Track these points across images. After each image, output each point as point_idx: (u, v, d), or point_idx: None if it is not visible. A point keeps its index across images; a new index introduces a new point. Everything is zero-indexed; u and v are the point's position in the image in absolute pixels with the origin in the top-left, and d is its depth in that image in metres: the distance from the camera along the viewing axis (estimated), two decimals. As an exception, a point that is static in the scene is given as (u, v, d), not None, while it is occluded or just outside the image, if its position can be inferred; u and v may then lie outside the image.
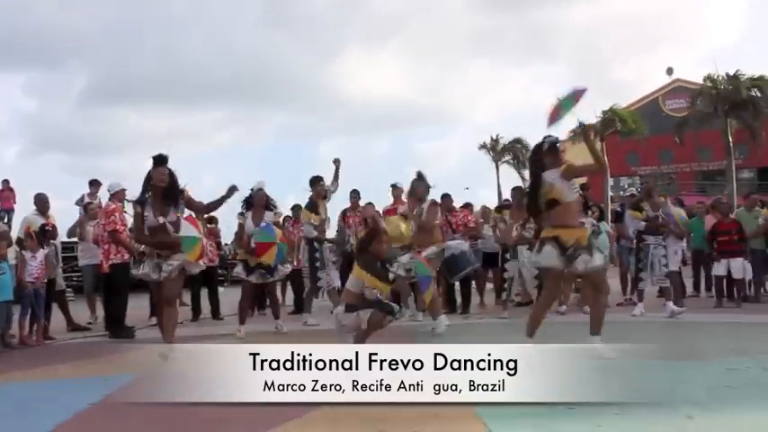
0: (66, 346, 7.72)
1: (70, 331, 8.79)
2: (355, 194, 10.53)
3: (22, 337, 7.76)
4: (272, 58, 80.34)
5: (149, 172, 6.08)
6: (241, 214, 8.16)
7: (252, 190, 8.04)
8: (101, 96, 79.31)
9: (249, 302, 8.61)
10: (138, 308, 9.45)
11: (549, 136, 6.17)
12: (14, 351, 7.35)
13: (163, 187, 6.04)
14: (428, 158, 70.09)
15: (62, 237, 9.96)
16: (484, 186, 75.85)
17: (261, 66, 77.33)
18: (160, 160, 6.05)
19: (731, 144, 32.07)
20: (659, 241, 8.79)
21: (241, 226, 8.11)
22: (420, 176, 8.09)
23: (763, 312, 8.94)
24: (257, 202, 8.03)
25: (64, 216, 9.31)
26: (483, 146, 43.94)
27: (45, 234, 8.31)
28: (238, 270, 8.18)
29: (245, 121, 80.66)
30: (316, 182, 8.78)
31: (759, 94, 31.66)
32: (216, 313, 10.39)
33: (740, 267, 9.92)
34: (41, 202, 8.99)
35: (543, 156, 5.91)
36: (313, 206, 8.76)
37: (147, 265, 6.14)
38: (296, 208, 10.98)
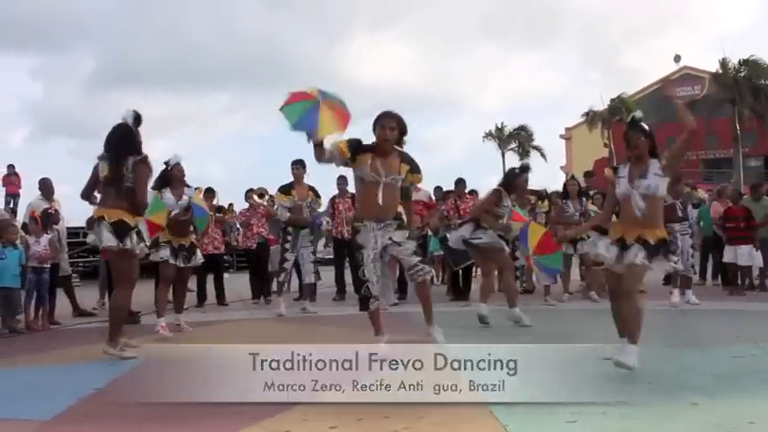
0: (71, 332, 7.75)
1: (76, 316, 8.83)
2: (343, 180, 10.53)
3: (28, 321, 7.79)
4: (279, 42, 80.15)
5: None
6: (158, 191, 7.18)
7: (167, 164, 7.23)
8: (107, 81, 79.36)
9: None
10: (143, 293, 9.46)
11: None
12: (20, 336, 7.38)
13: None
14: (434, 144, 69.82)
15: (68, 222, 9.98)
16: (490, 173, 75.64)
17: (267, 50, 77.22)
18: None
19: (738, 132, 31.94)
20: (685, 229, 8.71)
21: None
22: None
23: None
24: (176, 177, 7.27)
25: (70, 201, 9.27)
26: (488, 134, 43.77)
27: (49, 218, 8.33)
28: (164, 253, 7.10)
29: (250, 106, 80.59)
30: (294, 164, 8.72)
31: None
32: (221, 299, 10.45)
33: (747, 254, 9.91)
34: (46, 187, 8.99)
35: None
36: (287, 189, 8.72)
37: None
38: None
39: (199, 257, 7.43)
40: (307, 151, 5.15)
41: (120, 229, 5.39)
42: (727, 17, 65.84)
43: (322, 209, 9.36)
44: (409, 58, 77.41)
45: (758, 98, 31.46)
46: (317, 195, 8.96)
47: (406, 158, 5.32)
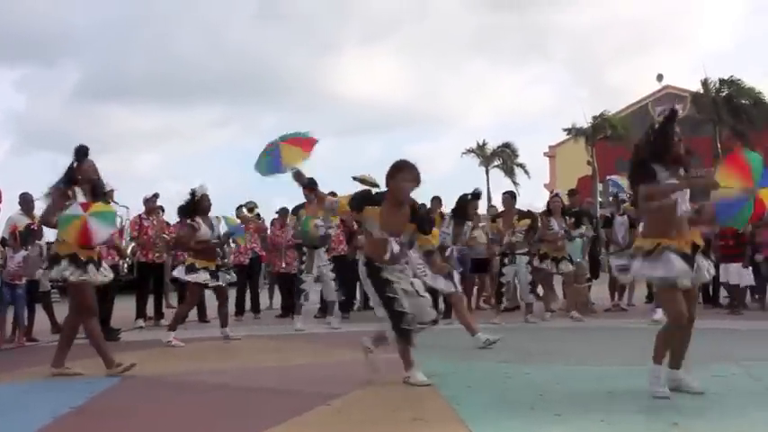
0: (49, 348, 7.61)
1: (54, 333, 8.70)
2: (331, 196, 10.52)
3: (1, 338, 7.70)
4: (267, 56, 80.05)
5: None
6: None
7: (193, 194, 7.75)
8: (93, 94, 78.67)
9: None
10: (123, 309, 9.39)
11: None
12: (-4, 353, 7.28)
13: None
14: (421, 161, 68.96)
15: (49, 237, 9.87)
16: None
17: (256, 63, 76.97)
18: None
19: (720, 151, 32.25)
20: None
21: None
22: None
23: (751, 319, 8.97)
24: (205, 208, 7.85)
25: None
26: (469, 151, 43.86)
27: (31, 234, 8.25)
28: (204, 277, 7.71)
29: (239, 120, 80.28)
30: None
31: (752, 103, 31.94)
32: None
33: (735, 273, 9.83)
34: (26, 202, 8.88)
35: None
36: (296, 210, 8.80)
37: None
38: (282, 211, 10.99)
39: (232, 275, 8.15)
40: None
41: (75, 261, 5.46)
42: (709, 38, 66.63)
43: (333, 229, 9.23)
44: (398, 74, 77.54)
45: (738, 118, 31.83)
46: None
47: (416, 215, 5.06)
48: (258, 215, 11.69)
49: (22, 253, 7.96)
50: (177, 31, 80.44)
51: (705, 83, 32.57)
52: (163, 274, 10.49)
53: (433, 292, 10.04)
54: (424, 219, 5.20)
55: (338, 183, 9.16)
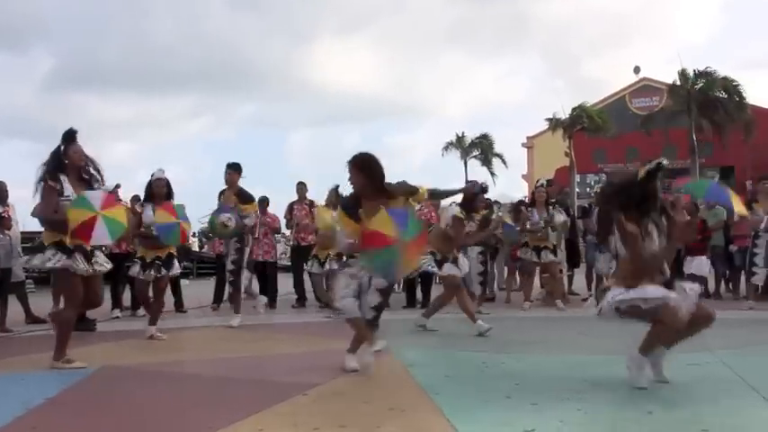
0: (23, 339, 7.55)
1: (29, 323, 8.60)
2: (302, 186, 10.48)
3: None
4: (243, 45, 79.69)
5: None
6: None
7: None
8: (66, 81, 78.03)
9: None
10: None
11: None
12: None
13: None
14: (398, 151, 69.86)
15: (23, 226, 9.74)
16: (453, 181, 75.96)
17: (232, 52, 76.54)
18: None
19: (695, 143, 32.60)
20: None
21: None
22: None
23: (725, 309, 9.07)
24: (156, 193, 7.41)
25: (27, 205, 9.04)
26: (449, 144, 44.01)
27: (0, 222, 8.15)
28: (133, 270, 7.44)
29: (214, 110, 79.84)
30: (228, 168, 8.26)
31: (726, 95, 32.29)
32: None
33: (703, 265, 10.04)
34: (0, 191, 8.77)
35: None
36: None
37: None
38: (262, 201, 10.93)
39: (176, 268, 7.51)
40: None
41: (62, 248, 5.30)
42: (686, 30, 67.27)
43: (249, 219, 8.38)
44: (374, 64, 77.60)
45: (715, 110, 32.15)
46: (245, 201, 8.15)
47: (396, 191, 5.00)
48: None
49: None
50: (152, 19, 79.88)
51: (683, 73, 32.83)
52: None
53: (410, 283, 10.17)
54: (402, 188, 5.05)
55: (314, 172, 9.07)
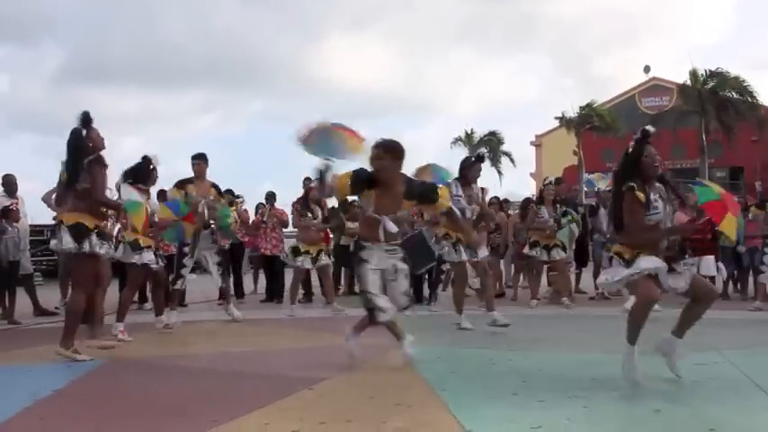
0: (31, 331, 7.59)
1: (37, 316, 8.64)
2: (309, 182, 10.46)
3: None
4: (252, 41, 79.61)
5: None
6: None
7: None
8: (77, 75, 78.14)
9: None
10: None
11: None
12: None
13: None
14: (407, 148, 69.55)
15: (32, 219, 9.79)
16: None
17: (242, 48, 76.48)
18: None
19: (705, 143, 32.46)
20: None
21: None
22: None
23: (733, 309, 9.03)
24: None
25: (35, 198, 9.06)
26: (458, 139, 43.95)
27: (8, 215, 8.17)
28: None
29: (223, 105, 79.83)
30: (194, 159, 7.96)
31: (737, 96, 32.15)
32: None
33: (712, 265, 9.95)
34: (9, 184, 8.83)
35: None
36: (181, 184, 7.86)
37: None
38: (270, 196, 10.97)
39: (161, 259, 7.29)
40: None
41: (78, 232, 5.27)
42: (696, 30, 66.92)
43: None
44: (384, 61, 77.36)
45: (725, 110, 32.00)
46: (221, 194, 8.08)
47: (413, 191, 5.06)
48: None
49: None
50: (162, 14, 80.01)
51: (694, 73, 32.66)
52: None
53: (418, 279, 10.11)
54: (422, 191, 5.13)
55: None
